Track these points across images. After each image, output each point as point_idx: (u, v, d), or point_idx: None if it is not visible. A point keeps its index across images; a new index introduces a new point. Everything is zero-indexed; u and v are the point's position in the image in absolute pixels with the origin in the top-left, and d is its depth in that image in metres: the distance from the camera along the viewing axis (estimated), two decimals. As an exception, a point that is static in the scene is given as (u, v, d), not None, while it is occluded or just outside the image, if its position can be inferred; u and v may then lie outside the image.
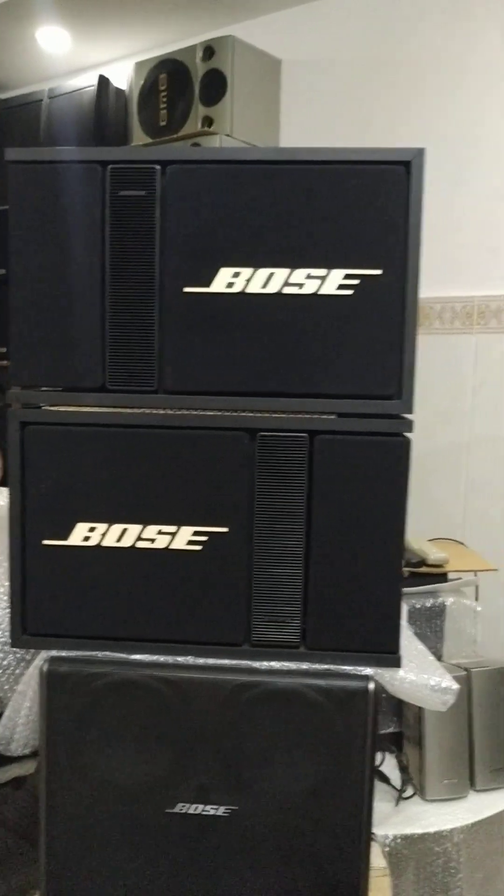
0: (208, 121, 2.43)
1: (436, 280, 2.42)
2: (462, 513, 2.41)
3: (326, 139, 2.59)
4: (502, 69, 2.27)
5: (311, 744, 1.03)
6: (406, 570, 1.80)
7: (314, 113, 2.64)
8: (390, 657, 1.03)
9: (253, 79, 2.48)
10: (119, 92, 2.84)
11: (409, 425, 1.00)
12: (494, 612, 2.35)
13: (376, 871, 1.42)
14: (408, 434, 1.00)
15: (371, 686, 1.01)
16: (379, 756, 1.76)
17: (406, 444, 0.99)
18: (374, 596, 1.03)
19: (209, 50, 2.41)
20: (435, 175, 2.41)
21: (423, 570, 1.81)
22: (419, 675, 1.04)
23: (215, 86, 2.42)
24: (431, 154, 2.44)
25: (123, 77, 2.93)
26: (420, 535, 2.34)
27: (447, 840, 1.56)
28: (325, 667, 1.03)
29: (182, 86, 2.46)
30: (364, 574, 1.02)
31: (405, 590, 1.78)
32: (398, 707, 1.76)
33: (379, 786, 1.70)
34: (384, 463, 1.00)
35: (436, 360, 2.42)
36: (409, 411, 0.99)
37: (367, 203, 0.96)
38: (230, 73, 2.40)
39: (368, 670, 1.03)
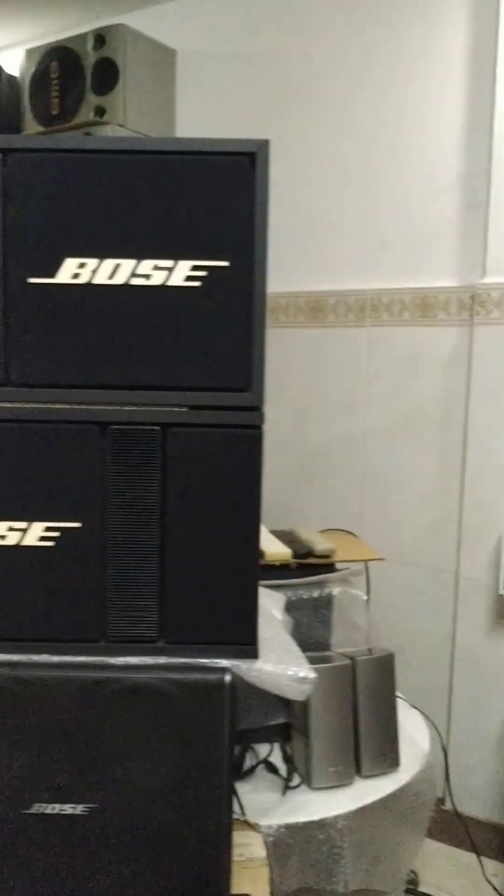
0: (100, 110, 2.40)
1: (329, 274, 2.44)
2: (359, 503, 2.44)
3: (224, 130, 2.58)
4: (408, 61, 2.30)
5: (169, 738, 1.03)
6: (293, 561, 1.81)
7: (211, 104, 2.63)
8: (247, 649, 1.04)
9: (146, 68, 2.46)
10: (12, 79, 2.78)
11: (260, 417, 1.00)
12: (385, 601, 2.40)
13: (255, 862, 1.43)
14: (260, 425, 1.00)
15: (227, 678, 1.01)
16: (268, 747, 1.77)
17: (257, 436, 1.00)
18: (230, 588, 1.02)
19: (100, 38, 2.38)
20: (332, 168, 2.43)
21: (311, 560, 1.83)
22: (277, 666, 1.04)
23: (107, 75, 2.38)
24: (325, 146, 2.45)
25: (17, 64, 2.86)
26: (317, 525, 2.36)
27: (331, 827, 1.57)
28: (183, 660, 1.03)
29: (73, 74, 2.42)
30: (220, 566, 1.02)
31: (292, 581, 1.81)
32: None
33: (267, 776, 1.71)
34: (236, 455, 1.00)
35: (332, 352, 2.45)
36: (261, 403, 1.00)
37: (213, 194, 0.96)
38: (122, 63, 2.37)
39: (225, 662, 1.02)
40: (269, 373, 2.75)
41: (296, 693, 1.05)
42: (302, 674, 1.04)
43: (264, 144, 0.95)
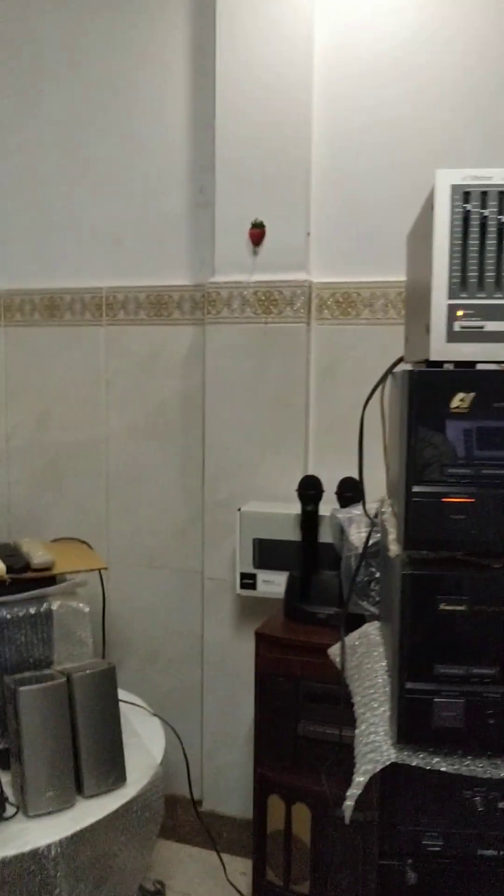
0: None
1: (65, 270, 2.34)
2: (105, 507, 2.37)
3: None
4: (132, 54, 2.23)
5: None
6: (7, 576, 1.70)
7: None
8: None
9: None
10: None
11: None
12: (138, 606, 2.35)
13: None
14: None
15: None
16: (-16, 777, 1.66)
17: None
18: None
19: None
20: (63, 161, 2.33)
21: (29, 575, 1.73)
22: None
23: None
24: (55, 139, 2.35)
25: None
26: (63, 532, 2.27)
27: (43, 857, 1.49)
28: None
29: None
30: None
31: (5, 598, 1.70)
32: (2, 721, 1.67)
33: (-19, 809, 1.60)
34: None
35: (70, 352, 2.35)
36: None
37: None
38: None
39: None
40: (5, 375, 2.59)
41: None
42: None
43: None
